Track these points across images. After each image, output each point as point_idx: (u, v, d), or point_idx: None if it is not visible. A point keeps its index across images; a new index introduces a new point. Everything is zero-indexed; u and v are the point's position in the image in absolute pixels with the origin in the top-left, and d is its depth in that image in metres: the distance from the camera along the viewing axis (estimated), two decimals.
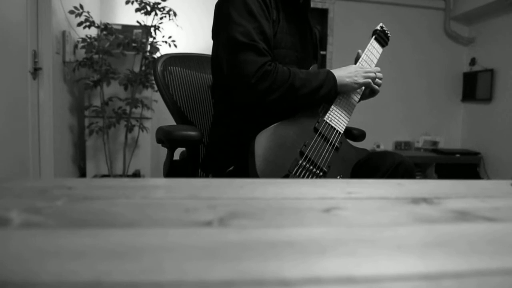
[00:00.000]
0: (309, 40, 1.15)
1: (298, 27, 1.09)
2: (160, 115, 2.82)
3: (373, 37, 1.16)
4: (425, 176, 3.44)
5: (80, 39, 2.51)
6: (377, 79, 1.09)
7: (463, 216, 0.36)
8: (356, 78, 1.04)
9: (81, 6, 2.39)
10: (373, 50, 1.14)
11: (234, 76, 0.94)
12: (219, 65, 1.05)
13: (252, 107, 1.00)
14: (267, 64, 0.93)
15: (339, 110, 1.05)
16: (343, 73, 1.03)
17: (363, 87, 1.09)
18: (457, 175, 3.34)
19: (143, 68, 2.54)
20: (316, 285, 0.21)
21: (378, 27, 1.18)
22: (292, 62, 1.03)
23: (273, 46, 1.00)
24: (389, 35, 1.19)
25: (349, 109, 1.08)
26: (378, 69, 1.11)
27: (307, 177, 0.93)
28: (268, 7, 0.98)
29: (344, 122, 1.06)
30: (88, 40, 2.47)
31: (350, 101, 1.08)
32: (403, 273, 0.23)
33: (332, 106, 1.05)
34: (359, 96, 1.10)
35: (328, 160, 0.98)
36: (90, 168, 2.68)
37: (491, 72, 3.34)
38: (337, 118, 1.04)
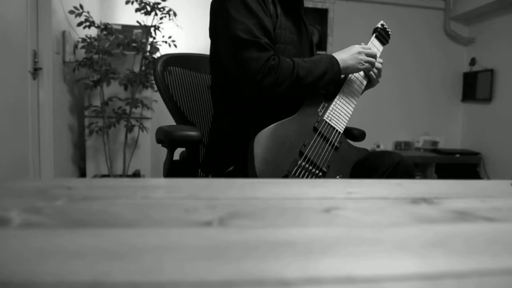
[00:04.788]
0: (305, 37, 1.16)
1: (294, 24, 1.09)
2: (160, 115, 2.82)
3: (374, 35, 1.16)
4: (425, 176, 3.44)
5: (80, 39, 2.51)
6: (375, 69, 1.10)
7: (462, 216, 0.36)
8: (360, 58, 1.05)
9: (81, 6, 2.39)
10: (373, 48, 1.13)
11: (239, 74, 0.95)
12: (218, 63, 1.05)
13: (255, 104, 1.01)
14: (271, 59, 0.93)
15: (339, 109, 1.05)
16: (346, 56, 1.04)
17: (364, 84, 1.10)
18: (457, 175, 3.34)
19: (143, 68, 2.54)
20: (316, 285, 0.21)
21: (379, 25, 1.17)
22: (291, 57, 1.03)
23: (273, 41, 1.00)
24: (389, 33, 1.19)
25: (349, 108, 1.08)
26: (380, 60, 1.13)
27: (306, 177, 0.93)
28: (265, 2, 0.98)
29: (344, 121, 1.06)
30: (88, 40, 2.47)
31: (350, 100, 1.08)
32: (403, 273, 0.23)
33: (332, 106, 1.05)
34: (359, 96, 1.10)
35: (328, 160, 0.98)
36: (90, 168, 2.68)
37: (491, 72, 3.34)
38: (336, 118, 1.04)
